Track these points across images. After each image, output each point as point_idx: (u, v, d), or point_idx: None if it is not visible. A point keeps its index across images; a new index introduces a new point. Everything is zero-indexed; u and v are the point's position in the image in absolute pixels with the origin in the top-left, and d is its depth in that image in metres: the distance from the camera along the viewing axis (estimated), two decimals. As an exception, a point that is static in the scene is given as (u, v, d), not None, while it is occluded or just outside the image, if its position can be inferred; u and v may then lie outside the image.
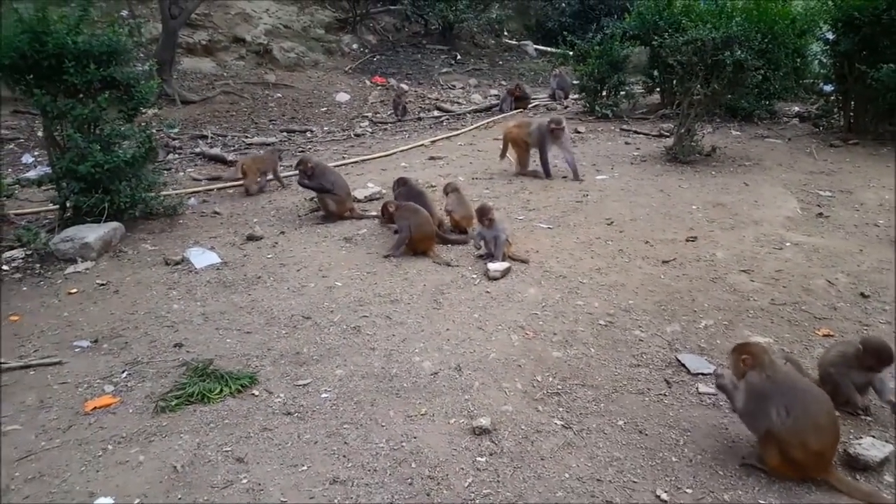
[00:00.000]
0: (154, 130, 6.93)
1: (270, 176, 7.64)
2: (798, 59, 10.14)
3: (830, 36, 9.51)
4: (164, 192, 6.86)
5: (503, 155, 8.27)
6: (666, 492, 3.01)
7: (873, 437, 3.26)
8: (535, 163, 7.99)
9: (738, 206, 6.61)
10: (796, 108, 10.97)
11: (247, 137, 10.14)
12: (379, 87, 14.07)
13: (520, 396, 3.75)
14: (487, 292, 5.01)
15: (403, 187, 6.27)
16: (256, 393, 3.76)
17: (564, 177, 8.00)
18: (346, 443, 3.36)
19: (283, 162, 8.18)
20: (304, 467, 3.18)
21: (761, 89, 10.15)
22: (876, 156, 8.23)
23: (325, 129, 11.06)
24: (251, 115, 11.52)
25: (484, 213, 5.45)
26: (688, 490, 3.03)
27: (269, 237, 6.10)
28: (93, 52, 5.70)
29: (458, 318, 4.60)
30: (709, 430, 3.43)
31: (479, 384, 3.86)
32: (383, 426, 3.48)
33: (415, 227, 5.62)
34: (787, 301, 4.68)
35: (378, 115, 12.10)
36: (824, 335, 4.25)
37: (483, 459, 3.24)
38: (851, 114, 9.31)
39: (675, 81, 8.40)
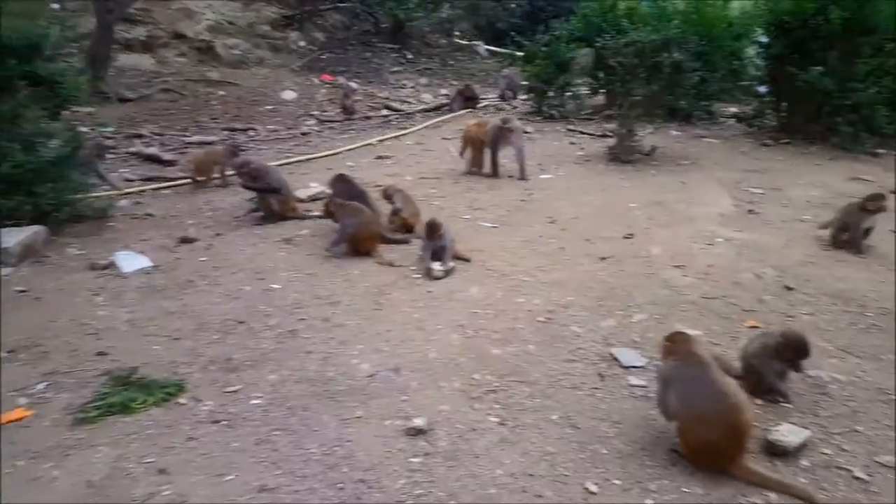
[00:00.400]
0: (88, 129, 6.69)
1: (230, 171, 7.42)
2: (735, 62, 10.47)
3: (764, 39, 9.84)
4: (94, 194, 6.61)
5: (462, 152, 8.27)
6: (595, 484, 3.04)
7: (792, 423, 3.35)
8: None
9: (674, 204, 6.76)
10: (733, 109, 11.29)
11: (186, 136, 9.88)
12: (327, 86, 13.92)
13: (457, 395, 3.74)
14: (429, 292, 4.99)
15: (342, 184, 6.19)
16: (183, 401, 3.65)
17: (511, 176, 8.06)
18: (276, 450, 3.29)
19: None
20: (231, 476, 3.10)
21: (700, 90, 10.44)
22: (805, 154, 8.54)
23: (270, 127, 10.87)
24: (192, 113, 11.23)
25: (433, 231, 5.30)
26: (616, 481, 3.07)
27: (203, 239, 5.94)
28: (13, 46, 5.45)
29: (399, 319, 4.57)
30: (638, 422, 3.49)
31: (417, 384, 3.83)
32: (316, 431, 3.42)
33: (358, 227, 5.56)
34: (717, 295, 4.80)
35: (326, 114, 11.96)
36: (750, 327, 4.37)
37: (417, 460, 3.22)
38: (783, 114, 9.64)
39: (616, 82, 8.53)
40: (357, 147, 9.47)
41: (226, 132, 10.37)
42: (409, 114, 12.11)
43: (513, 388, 3.81)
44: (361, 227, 5.58)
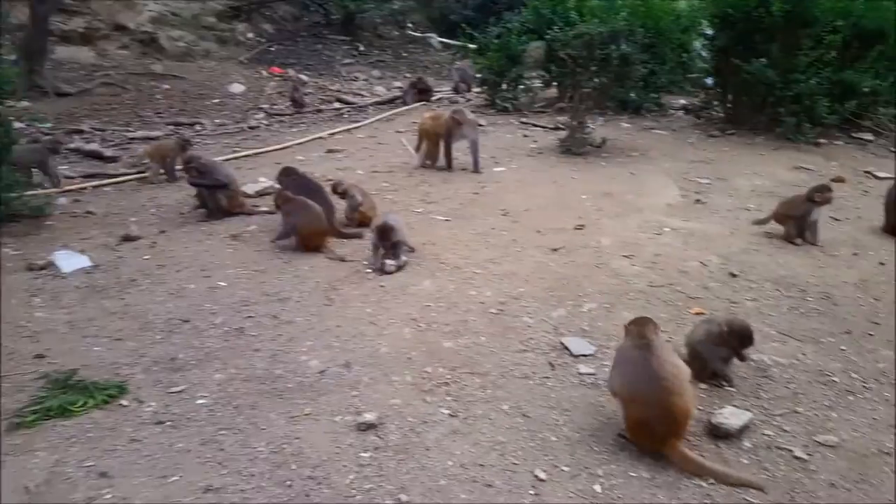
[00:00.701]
0: (23, 125, 6.42)
1: (178, 165, 7.20)
2: (684, 54, 10.66)
3: (709, 32, 10.04)
4: (30, 192, 6.35)
5: (418, 147, 8.21)
6: (544, 471, 3.07)
7: (734, 406, 3.44)
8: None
9: (624, 195, 6.85)
10: (682, 101, 11.49)
11: (129, 132, 9.58)
12: (276, 78, 13.66)
13: (409, 389, 3.72)
14: (382, 286, 4.95)
15: (290, 178, 6.08)
16: (125, 403, 3.54)
17: (464, 169, 8.05)
18: (222, 449, 3.22)
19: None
20: (176, 478, 3.02)
21: (649, 83, 10.61)
22: (751, 145, 8.75)
23: (217, 121, 10.62)
24: (135, 107, 10.89)
25: (385, 236, 5.14)
26: (565, 468, 3.09)
27: (147, 237, 5.76)
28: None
29: (351, 314, 4.52)
30: (587, 409, 3.53)
31: (368, 379, 3.80)
32: (263, 429, 3.36)
33: (304, 224, 5.47)
34: (664, 283, 4.89)
35: (275, 107, 11.74)
36: (696, 313, 4.46)
37: (367, 455, 3.19)
38: (729, 106, 9.85)
39: (567, 75, 8.59)
40: (307, 141, 9.32)
41: (171, 127, 10.10)
42: (361, 107, 11.98)
43: (464, 379, 3.80)
44: (306, 222, 5.48)
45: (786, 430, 3.33)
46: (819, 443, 3.24)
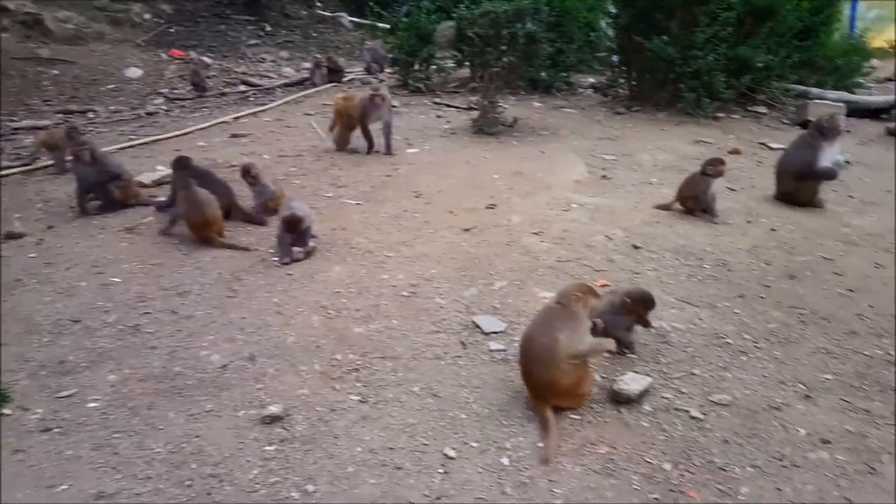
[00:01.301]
0: None
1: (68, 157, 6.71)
2: (591, 33, 10.87)
3: (613, 10, 10.26)
4: None
5: (332, 128, 8.01)
6: (454, 449, 3.07)
7: (635, 372, 3.55)
8: (356, 137, 7.82)
9: (534, 174, 6.94)
10: (591, 80, 11.75)
11: (14, 121, 8.91)
12: (177, 61, 13.06)
13: (317, 378, 3.64)
14: (289, 274, 4.82)
15: (184, 170, 5.80)
16: (8, 412, 3.30)
17: (377, 151, 7.93)
18: (116, 453, 3.06)
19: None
20: (65, 486, 2.85)
21: (557, 62, 10.77)
22: (654, 120, 9.04)
23: (112, 108, 10.05)
24: (20, 95, 10.15)
25: (294, 227, 4.94)
26: (474, 444, 3.11)
27: (33, 234, 5.39)
28: None
29: (256, 305, 4.38)
30: (497, 385, 3.55)
31: (274, 371, 3.69)
32: (161, 430, 3.22)
33: (184, 215, 5.24)
34: (572, 258, 4.98)
35: (175, 92, 11.22)
36: (602, 285, 4.56)
37: (272, 448, 3.10)
38: (634, 83, 10.13)
39: (475, 54, 8.59)
40: (210, 126, 8.96)
41: (60, 115, 9.46)
42: (268, 89, 11.61)
43: (375, 364, 3.76)
44: (186, 215, 5.24)
45: (683, 392, 3.46)
46: (714, 402, 3.38)
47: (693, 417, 3.27)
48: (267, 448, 3.10)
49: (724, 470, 2.93)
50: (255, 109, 10.01)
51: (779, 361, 3.74)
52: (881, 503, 2.76)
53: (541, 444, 3.09)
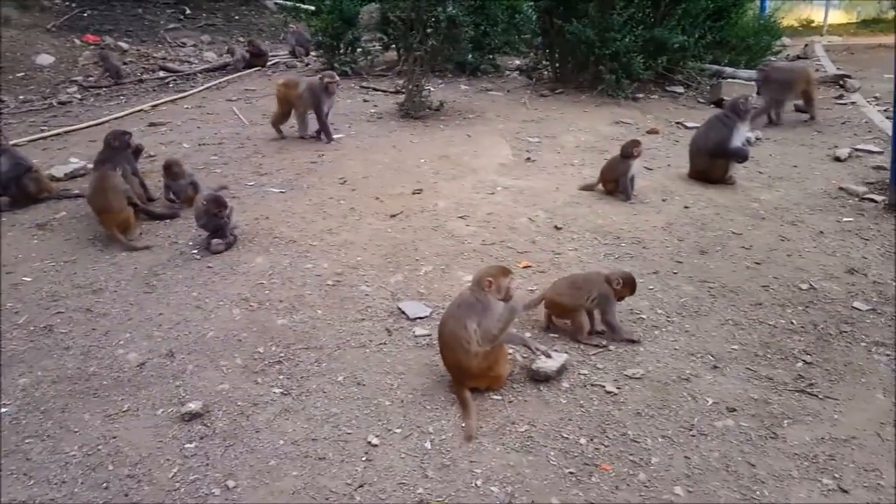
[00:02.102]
0: None
1: None
2: (517, 15, 10.93)
3: (534, -7, 10.35)
4: None
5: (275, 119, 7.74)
6: (377, 436, 3.11)
7: (555, 350, 3.66)
8: (291, 127, 7.69)
9: (460, 157, 6.98)
10: (517, 62, 11.86)
11: None
12: (92, 47, 12.44)
13: (238, 372, 3.61)
14: (209, 267, 4.73)
15: (119, 149, 5.58)
16: None
17: (301, 137, 7.81)
18: (28, 459, 2.96)
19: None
20: (-30, 498, 2.74)
21: (483, 44, 10.82)
22: (577, 102, 9.21)
23: (21, 98, 9.53)
24: (-85, 85, 9.51)
25: (218, 209, 4.84)
26: (397, 430, 3.16)
27: (-68, 233, 5.11)
28: None
29: (174, 300, 4.28)
30: (421, 370, 3.61)
31: (194, 367, 3.64)
32: (76, 432, 3.13)
33: (87, 198, 5.08)
34: (496, 240, 5.07)
35: (90, 79, 10.72)
36: (524, 267, 4.68)
37: (192, 445, 3.07)
38: (557, 65, 10.28)
39: (399, 37, 8.54)
40: (127, 115, 8.63)
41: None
42: (188, 75, 11.24)
43: (299, 356, 3.75)
44: (92, 195, 5.04)
45: (599, 368, 3.60)
46: (628, 376, 3.53)
47: (608, 392, 3.41)
48: (187, 445, 3.07)
49: (637, 441, 3.08)
50: (175, 96, 9.68)
51: (689, 334, 3.92)
52: (780, 467, 2.94)
53: (463, 425, 3.16)
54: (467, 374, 3.30)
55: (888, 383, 3.44)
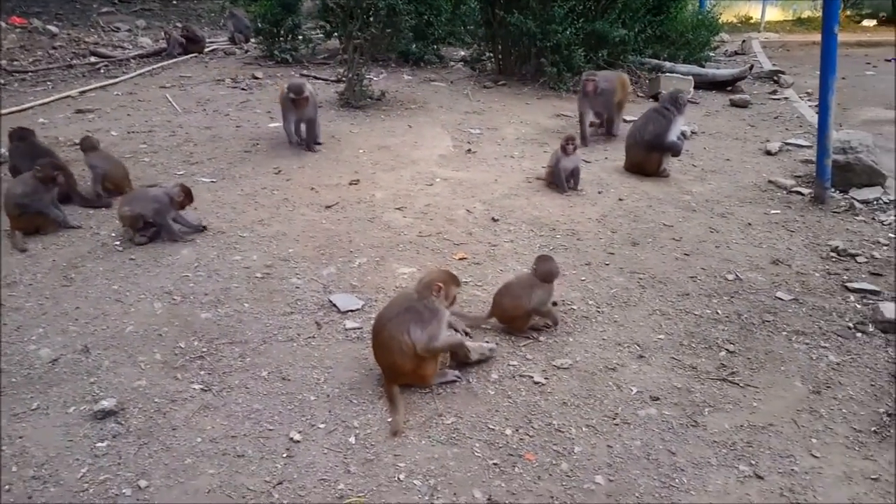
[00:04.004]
0: None
1: None
2: (462, 5, 10.88)
3: (478, -17, 10.31)
4: None
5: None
6: (300, 432, 3.04)
7: (485, 341, 3.67)
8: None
9: (400, 148, 6.91)
10: (462, 53, 11.82)
11: None
12: (17, 30, 11.85)
13: (157, 368, 3.47)
14: (132, 259, 4.55)
15: (20, 141, 5.29)
16: None
17: (238, 126, 7.61)
18: (-78, 463, 2.78)
19: None
20: None
21: (427, 34, 10.75)
22: (519, 94, 9.24)
23: (-63, 81, 8.99)
24: None
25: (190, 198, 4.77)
26: (321, 425, 3.09)
27: None
28: None
29: (93, 293, 4.10)
30: (350, 364, 3.54)
31: (110, 363, 3.49)
32: (-23, 434, 2.95)
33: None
34: (433, 232, 5.03)
35: (14, 64, 10.18)
36: (460, 259, 4.66)
37: (104, 444, 2.94)
38: (500, 57, 10.28)
39: (339, 25, 8.38)
40: (53, 101, 8.24)
41: None
42: (121, 60, 10.81)
43: (222, 350, 3.64)
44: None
45: (528, 359, 3.60)
46: (556, 366, 3.54)
47: (536, 382, 3.41)
48: (98, 445, 2.93)
49: (561, 431, 3.08)
50: (106, 82, 9.29)
51: (618, 325, 3.96)
52: (700, 454, 2.98)
53: (390, 420, 3.11)
54: (399, 373, 3.25)
55: (806, 371, 3.54)
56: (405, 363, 3.21)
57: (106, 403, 3.12)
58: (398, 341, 3.18)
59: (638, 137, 6.42)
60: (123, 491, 2.71)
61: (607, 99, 7.31)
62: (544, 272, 3.77)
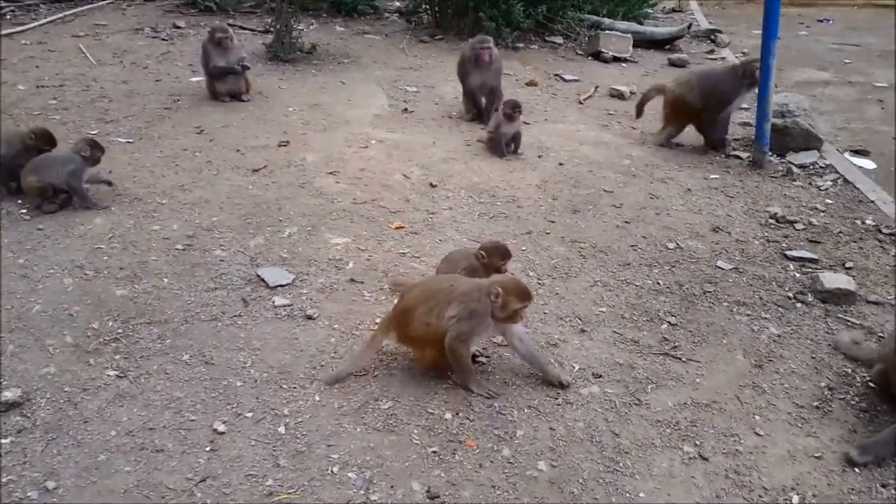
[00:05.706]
0: None
1: None
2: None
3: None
4: None
5: None
6: (224, 422, 2.84)
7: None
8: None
9: (333, 107, 6.58)
10: (397, 3, 11.33)
11: None
12: None
13: (68, 352, 3.19)
14: (40, 229, 4.19)
15: None
16: None
17: (158, 80, 7.09)
18: None
19: None
20: None
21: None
22: (456, 50, 8.82)
23: None
24: None
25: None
26: (248, 414, 2.90)
27: None
28: None
29: (-6, 269, 3.73)
30: (279, 345, 3.34)
31: (14, 348, 3.19)
32: None
33: None
34: (368, 199, 4.80)
35: None
36: (396, 228, 4.47)
37: (7, 441, 2.69)
38: (437, 10, 9.90)
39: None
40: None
41: None
42: (29, 6, 9.85)
43: (139, 332, 3.37)
44: None
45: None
46: (497, 344, 3.41)
47: (477, 361, 3.29)
48: (1, 442, 2.67)
49: (503, 414, 2.98)
50: (12, 30, 8.49)
51: (559, 297, 3.88)
52: (644, 435, 2.94)
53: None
54: (412, 327, 3.08)
55: (748, 344, 3.54)
56: (422, 332, 3.06)
57: (9, 394, 2.85)
58: (428, 325, 3.02)
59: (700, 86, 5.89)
60: (29, 494, 2.47)
61: (498, 70, 6.51)
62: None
